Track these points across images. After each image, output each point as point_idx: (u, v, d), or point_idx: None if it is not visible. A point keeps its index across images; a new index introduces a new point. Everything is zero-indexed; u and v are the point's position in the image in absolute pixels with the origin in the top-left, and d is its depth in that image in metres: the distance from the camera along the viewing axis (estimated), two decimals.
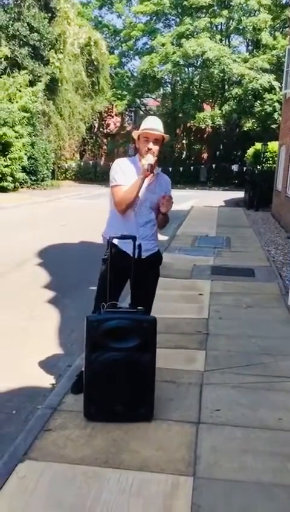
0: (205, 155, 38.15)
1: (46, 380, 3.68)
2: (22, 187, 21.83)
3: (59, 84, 24.21)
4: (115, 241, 3.22)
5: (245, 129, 31.90)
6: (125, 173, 3.26)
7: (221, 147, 35.93)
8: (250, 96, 30.67)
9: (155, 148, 3.22)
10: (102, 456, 2.62)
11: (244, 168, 25.20)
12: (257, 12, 31.00)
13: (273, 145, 18.06)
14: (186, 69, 34.98)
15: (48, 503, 2.26)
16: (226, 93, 32.60)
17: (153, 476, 2.48)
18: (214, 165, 32.86)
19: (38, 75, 22.40)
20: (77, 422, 2.95)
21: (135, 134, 3.33)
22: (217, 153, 35.96)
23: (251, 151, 21.21)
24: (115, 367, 2.87)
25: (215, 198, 22.53)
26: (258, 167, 18.34)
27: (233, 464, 2.59)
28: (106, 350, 2.89)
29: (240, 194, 22.70)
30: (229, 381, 3.57)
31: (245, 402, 3.26)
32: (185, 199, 20.39)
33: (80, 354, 3.91)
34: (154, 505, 2.27)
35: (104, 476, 2.47)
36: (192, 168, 34.00)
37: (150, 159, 3.14)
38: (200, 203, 19.52)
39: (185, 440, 2.81)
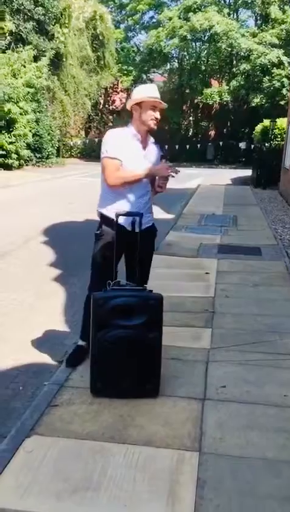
0: (212, 132, 37.70)
1: (53, 357, 3.70)
2: (26, 165, 21.73)
3: (64, 59, 23.88)
4: (110, 215, 3.18)
5: (253, 105, 31.42)
6: (118, 146, 3.17)
7: (228, 124, 35.50)
8: (258, 72, 30.13)
9: (158, 117, 3.21)
10: (108, 432, 2.65)
11: (252, 146, 24.90)
12: None
13: (281, 122, 17.80)
14: (193, 44, 34.39)
15: (55, 478, 2.29)
16: (234, 69, 32.07)
17: (158, 452, 2.50)
18: (221, 143, 32.54)
19: (43, 50, 22.09)
20: (84, 399, 2.97)
21: (134, 101, 3.18)
22: (225, 130, 35.56)
23: (258, 128, 20.92)
24: (121, 344, 2.88)
25: (223, 176, 22.34)
26: (266, 144, 18.11)
27: (238, 440, 2.61)
28: (112, 328, 2.89)
29: (247, 172, 22.48)
30: (235, 358, 3.58)
31: (251, 379, 3.27)
32: (191, 177, 20.23)
33: None
34: (160, 480, 2.29)
35: (111, 451, 2.49)
36: (199, 145, 33.66)
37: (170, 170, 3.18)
38: (207, 181, 19.37)
39: (191, 416, 2.82)
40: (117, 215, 3.13)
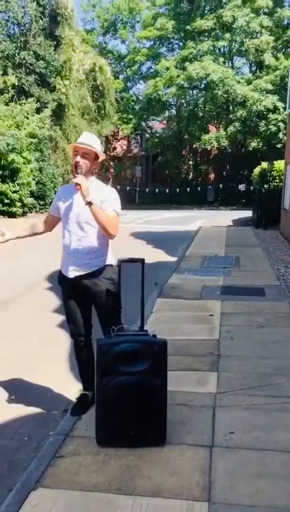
0: (211, 175, 38.37)
1: (58, 405, 3.66)
2: (30, 212, 22.02)
3: (66, 110, 24.59)
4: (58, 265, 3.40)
5: (251, 149, 32.09)
6: (56, 201, 3.41)
7: (227, 167, 36.13)
8: (254, 118, 30.94)
9: (84, 161, 3.17)
10: (115, 483, 2.59)
11: (251, 187, 25.26)
12: (259, 34, 31.48)
13: (279, 164, 18.12)
14: (190, 91, 35.44)
15: None
16: (231, 115, 32.93)
17: (167, 502, 2.44)
18: (221, 185, 33.00)
19: (45, 101, 22.79)
20: (89, 449, 2.92)
21: (70, 151, 3.36)
22: (224, 172, 36.16)
23: (257, 170, 21.29)
24: (126, 391, 2.86)
25: (223, 217, 22.56)
26: (265, 186, 18.39)
27: (248, 489, 2.55)
28: (117, 374, 2.88)
29: (247, 213, 22.71)
30: (243, 403, 3.53)
31: (259, 424, 3.22)
32: (193, 219, 20.46)
33: None
34: None
35: (118, 503, 2.44)
36: (199, 188, 34.16)
37: (78, 179, 3.06)
38: (208, 223, 19.55)
39: (199, 464, 2.77)
40: (120, 262, 3.18)
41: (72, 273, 3.25)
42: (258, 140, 31.35)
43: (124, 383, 2.86)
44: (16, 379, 4.17)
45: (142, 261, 3.18)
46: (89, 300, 3.35)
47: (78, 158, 3.15)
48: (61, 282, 3.39)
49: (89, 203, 3.04)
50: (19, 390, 3.93)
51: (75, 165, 3.14)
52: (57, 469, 2.73)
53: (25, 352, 4.85)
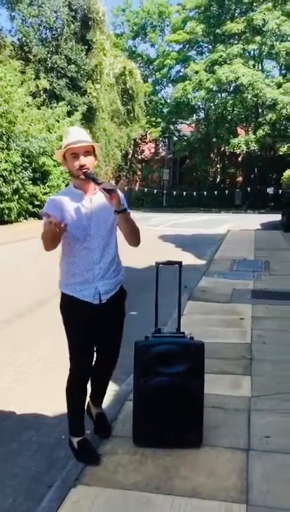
0: (239, 178, 38.15)
1: None
2: None
3: (96, 113, 24.90)
4: (67, 289, 2.80)
5: (280, 153, 31.81)
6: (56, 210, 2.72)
7: (256, 170, 35.89)
8: (284, 121, 30.66)
9: (89, 160, 2.72)
10: (153, 482, 2.62)
11: (280, 191, 25.01)
12: None
13: None
14: (219, 95, 35.36)
15: None
16: (260, 118, 32.70)
17: (205, 503, 2.46)
18: (249, 188, 32.80)
19: (76, 105, 23.09)
20: (126, 448, 2.96)
21: (58, 154, 2.77)
22: (252, 176, 35.92)
23: (287, 173, 21.06)
24: (164, 392, 2.89)
25: (252, 221, 22.39)
26: None
27: (287, 492, 2.55)
28: (155, 375, 2.91)
29: (276, 217, 22.46)
30: (278, 407, 3.52)
31: None
32: (220, 223, 20.39)
33: (124, 380, 3.95)
34: None
35: (157, 502, 2.47)
36: (227, 191, 34.02)
37: (110, 184, 2.64)
38: (236, 226, 19.44)
39: (236, 467, 2.78)
40: (157, 264, 3.17)
41: (104, 296, 2.78)
42: (288, 145, 31.02)
43: (161, 384, 2.89)
44: (54, 376, 4.23)
45: (179, 263, 3.20)
46: (109, 325, 2.91)
47: (83, 159, 2.68)
48: (77, 311, 2.79)
49: (125, 210, 2.68)
50: (57, 387, 3.95)
51: (80, 168, 2.68)
52: (96, 467, 2.77)
53: (65, 348, 4.89)
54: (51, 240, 2.57)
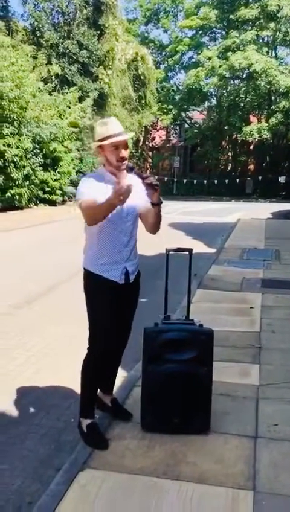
0: (251, 167, 37.83)
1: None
2: (70, 200, 22.32)
3: (107, 99, 24.75)
4: (96, 269, 2.89)
5: None
6: (94, 191, 2.77)
7: (267, 159, 35.55)
8: None
9: (127, 153, 2.85)
10: (161, 467, 2.64)
11: None
12: None
13: None
14: (232, 82, 34.96)
15: None
16: (273, 106, 32.31)
17: (212, 489, 2.47)
18: (260, 177, 32.52)
19: (87, 90, 22.96)
20: (134, 433, 2.98)
21: (96, 145, 2.85)
22: (264, 164, 35.60)
23: None
24: (172, 379, 2.90)
25: (262, 210, 22.24)
26: None
27: None
28: (163, 362, 2.92)
29: (287, 206, 22.33)
30: (286, 396, 3.52)
31: None
32: (231, 211, 20.27)
33: (133, 366, 3.97)
34: None
35: (164, 487, 2.48)
36: (238, 180, 33.78)
37: (153, 179, 2.75)
38: (247, 215, 19.32)
39: (244, 454, 2.79)
40: (167, 251, 3.17)
41: (132, 276, 2.95)
42: None
43: (170, 370, 2.90)
44: (64, 359, 4.26)
45: (190, 251, 3.18)
46: (128, 304, 3.06)
47: (123, 152, 2.79)
48: (104, 290, 2.88)
49: (161, 203, 2.86)
50: (67, 370, 3.99)
51: (122, 160, 2.78)
52: (104, 451, 2.79)
53: (75, 333, 4.93)
54: (107, 212, 2.65)
